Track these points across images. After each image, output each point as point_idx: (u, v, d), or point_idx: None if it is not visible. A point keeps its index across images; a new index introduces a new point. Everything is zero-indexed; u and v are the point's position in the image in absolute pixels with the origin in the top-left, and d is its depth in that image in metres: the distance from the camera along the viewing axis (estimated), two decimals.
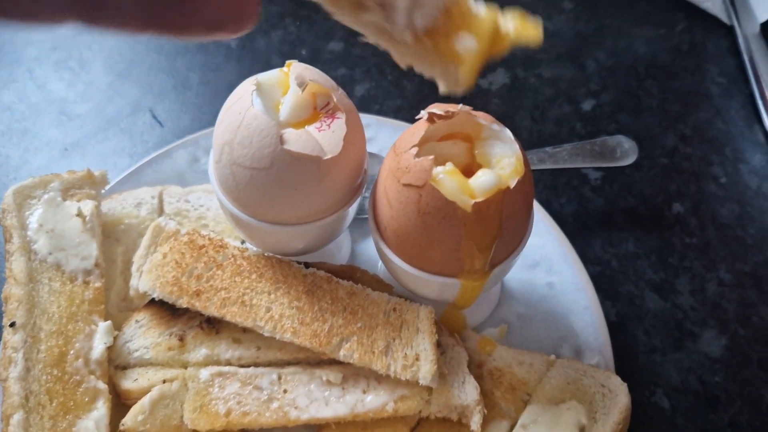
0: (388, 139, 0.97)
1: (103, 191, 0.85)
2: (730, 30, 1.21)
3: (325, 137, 0.69)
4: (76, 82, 1.12)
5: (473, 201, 0.63)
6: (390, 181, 0.67)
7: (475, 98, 1.11)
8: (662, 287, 0.93)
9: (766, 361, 0.87)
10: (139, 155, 1.03)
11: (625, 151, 0.96)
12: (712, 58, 1.18)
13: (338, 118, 0.70)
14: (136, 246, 0.84)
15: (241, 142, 0.68)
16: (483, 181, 0.64)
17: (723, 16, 1.20)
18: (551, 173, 1.02)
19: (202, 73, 1.13)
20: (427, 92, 1.12)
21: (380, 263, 0.89)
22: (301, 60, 1.16)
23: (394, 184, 0.67)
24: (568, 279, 0.87)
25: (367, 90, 1.12)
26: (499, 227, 0.66)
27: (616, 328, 0.89)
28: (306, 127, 0.70)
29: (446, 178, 0.64)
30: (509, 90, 1.13)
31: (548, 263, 0.88)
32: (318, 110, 0.71)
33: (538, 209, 0.90)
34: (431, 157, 0.64)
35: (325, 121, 0.70)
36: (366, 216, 0.78)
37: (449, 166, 0.65)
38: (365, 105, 1.10)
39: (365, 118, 0.87)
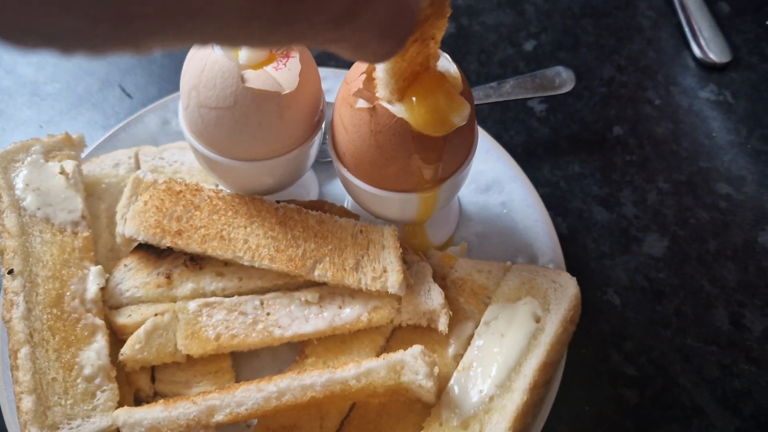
0: None
1: (82, 155, 0.91)
2: None
3: (282, 75, 0.76)
4: (45, 65, 1.17)
5: None
6: (344, 108, 0.75)
7: None
8: (607, 201, 1.02)
9: (704, 257, 0.96)
10: (112, 127, 1.09)
11: (564, 80, 1.04)
12: None
13: (293, 57, 0.77)
14: (117, 202, 0.90)
15: (206, 85, 0.74)
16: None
17: None
18: (500, 109, 1.10)
19: None
20: None
21: (346, 200, 0.96)
22: None
23: (348, 110, 0.74)
24: (519, 197, 0.95)
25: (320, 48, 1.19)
26: (444, 139, 0.73)
27: (567, 240, 0.97)
28: (264, 67, 0.77)
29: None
30: (456, 38, 1.20)
31: (500, 185, 0.96)
32: (273, 52, 0.78)
33: (486, 138, 0.98)
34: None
35: (281, 61, 0.77)
36: (330, 159, 0.85)
37: None
38: (322, 61, 1.16)
39: (322, 71, 0.94)
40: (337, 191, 0.98)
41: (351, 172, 0.78)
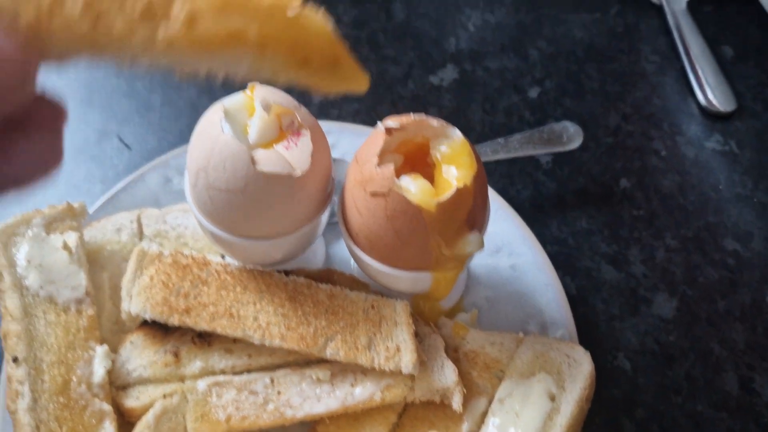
0: (350, 143, 1.02)
1: (83, 221, 0.89)
2: (659, 9, 1.29)
3: (293, 155, 0.74)
4: None
5: (436, 201, 0.69)
6: (357, 191, 0.73)
7: (429, 95, 1.17)
8: (616, 259, 1.01)
9: (714, 318, 0.96)
10: (111, 180, 1.06)
11: (571, 135, 1.03)
12: (645, 38, 1.26)
13: (303, 135, 0.75)
14: (120, 270, 0.88)
15: (216, 167, 0.72)
16: (443, 181, 0.70)
17: None
18: (506, 162, 1.09)
19: (163, 94, 1.17)
20: (382, 94, 1.17)
21: (352, 262, 0.95)
22: None
23: (361, 193, 0.72)
24: (529, 260, 0.94)
25: (324, 97, 1.17)
26: (463, 221, 0.72)
27: (577, 301, 0.97)
28: (274, 146, 0.75)
29: (409, 183, 0.70)
30: (459, 85, 1.19)
31: (509, 247, 0.95)
32: (284, 130, 0.76)
33: (496, 197, 0.97)
34: (392, 165, 0.70)
35: (291, 140, 0.75)
36: (336, 221, 0.83)
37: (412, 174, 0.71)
38: (324, 111, 1.14)
39: (326, 125, 0.92)
40: (345, 252, 0.96)
41: (365, 252, 0.77)
